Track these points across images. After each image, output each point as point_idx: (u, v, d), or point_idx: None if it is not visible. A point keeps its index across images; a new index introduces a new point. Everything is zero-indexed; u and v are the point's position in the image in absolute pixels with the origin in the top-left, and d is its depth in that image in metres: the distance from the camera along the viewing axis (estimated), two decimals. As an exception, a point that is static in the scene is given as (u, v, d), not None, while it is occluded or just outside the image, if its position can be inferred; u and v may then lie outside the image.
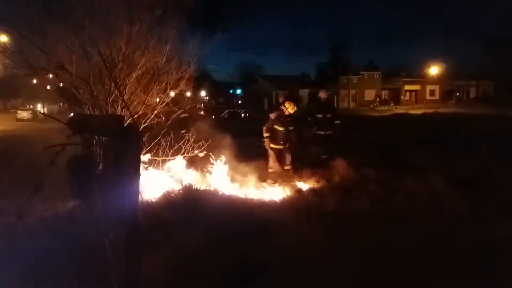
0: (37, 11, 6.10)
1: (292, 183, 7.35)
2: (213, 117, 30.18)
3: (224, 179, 7.15)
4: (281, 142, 8.07)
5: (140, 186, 1.79)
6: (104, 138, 1.67)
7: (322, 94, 9.37)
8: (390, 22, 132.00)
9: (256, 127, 9.89)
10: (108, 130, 1.62)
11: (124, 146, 1.61)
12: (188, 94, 8.72)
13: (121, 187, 1.64)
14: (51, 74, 6.25)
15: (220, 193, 6.45)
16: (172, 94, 7.71)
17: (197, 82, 8.68)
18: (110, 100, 6.12)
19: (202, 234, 4.48)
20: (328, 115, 9.00)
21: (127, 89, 6.28)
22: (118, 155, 1.61)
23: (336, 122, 9.08)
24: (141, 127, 6.78)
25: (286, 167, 8.08)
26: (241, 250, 4.22)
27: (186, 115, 7.96)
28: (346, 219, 5.59)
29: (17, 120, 34.66)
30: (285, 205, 6.31)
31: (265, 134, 8.05)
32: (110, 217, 1.67)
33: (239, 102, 41.45)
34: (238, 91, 58.70)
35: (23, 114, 35.95)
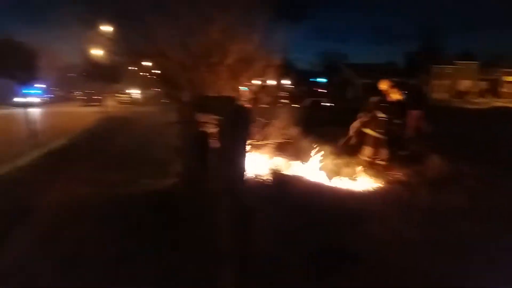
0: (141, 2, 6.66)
1: (384, 175, 7.12)
2: (296, 105, 30.18)
3: (313, 167, 7.20)
4: (380, 131, 7.36)
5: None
6: (220, 117, 1.87)
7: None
8: (488, 6, 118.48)
9: (340, 116, 9.74)
10: (224, 109, 1.82)
11: (237, 124, 1.80)
12: (274, 82, 8.88)
13: (232, 160, 1.82)
14: (153, 61, 6.82)
15: (309, 180, 6.55)
16: (259, 82, 7.95)
17: (282, 70, 8.79)
18: (205, 86, 6.52)
19: (293, 217, 4.62)
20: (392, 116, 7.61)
21: (221, 76, 6.61)
22: (231, 132, 1.79)
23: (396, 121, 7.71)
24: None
25: (380, 162, 7.47)
26: (333, 236, 4.30)
27: (267, 106, 8.03)
28: (439, 214, 5.35)
29: (119, 102, 38.39)
30: (376, 196, 6.20)
31: (362, 118, 7.47)
32: (221, 185, 1.86)
33: (322, 91, 40.82)
34: (321, 80, 57.81)
35: (124, 98, 39.87)
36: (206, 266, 3.57)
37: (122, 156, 9.80)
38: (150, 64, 8.24)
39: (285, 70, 8.00)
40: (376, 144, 7.42)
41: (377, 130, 7.39)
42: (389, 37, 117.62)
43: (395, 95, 7.35)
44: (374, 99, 7.48)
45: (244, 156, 1.93)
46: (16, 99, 32.15)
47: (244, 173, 1.97)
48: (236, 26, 6.54)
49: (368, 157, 7.43)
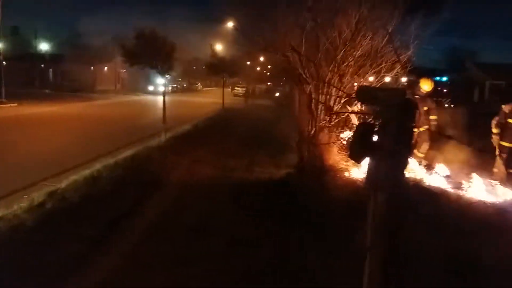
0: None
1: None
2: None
3: (441, 173, 6.85)
4: None
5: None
6: (386, 109, 1.88)
7: None
8: None
9: (464, 120, 8.88)
10: (391, 101, 1.83)
11: (403, 118, 1.81)
12: (404, 79, 8.53)
13: (395, 156, 1.84)
14: (281, 55, 7.07)
15: (431, 184, 6.24)
16: (387, 79, 7.72)
17: (406, 67, 8.37)
18: (327, 80, 6.56)
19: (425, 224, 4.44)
20: None
21: (347, 71, 6.57)
22: (397, 125, 1.81)
23: None
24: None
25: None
26: (465, 245, 4.06)
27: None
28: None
29: (234, 95, 40.62)
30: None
31: (494, 130, 6.83)
32: (381, 180, 1.89)
33: (444, 90, 37.54)
34: (443, 79, 53.32)
35: (239, 91, 42.08)
36: (333, 258, 3.66)
37: (239, 144, 10.40)
38: (265, 59, 8.52)
39: (408, 66, 7.67)
40: (509, 154, 6.72)
41: (510, 139, 6.70)
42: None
43: None
44: (506, 107, 6.73)
45: (408, 151, 1.92)
46: (149, 88, 36.36)
47: (406, 170, 1.97)
48: (369, 19, 6.41)
49: (496, 167, 6.80)
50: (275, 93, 38.00)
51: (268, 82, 49.35)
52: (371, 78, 7.92)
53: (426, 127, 7.52)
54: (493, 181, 6.54)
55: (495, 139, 6.88)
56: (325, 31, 6.49)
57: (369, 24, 6.56)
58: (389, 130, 1.83)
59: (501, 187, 6.37)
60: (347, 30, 6.49)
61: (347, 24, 6.49)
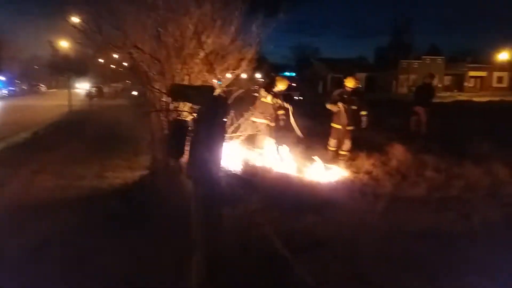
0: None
1: (347, 166, 7.42)
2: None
3: (279, 158, 7.37)
4: (343, 123, 7.77)
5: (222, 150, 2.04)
6: (198, 106, 1.92)
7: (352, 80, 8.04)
8: (456, 3, 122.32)
9: (310, 110, 9.96)
10: (202, 98, 1.88)
11: (215, 113, 1.87)
12: (253, 75, 8.94)
13: (209, 149, 1.90)
14: (125, 52, 6.72)
15: (276, 171, 6.70)
16: (236, 75, 7.99)
17: (255, 64, 8.85)
18: (177, 79, 6.51)
19: (263, 207, 4.74)
20: (354, 107, 7.89)
21: (194, 68, 6.60)
22: (209, 120, 1.87)
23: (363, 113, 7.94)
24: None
25: (342, 152, 7.96)
26: (300, 223, 4.46)
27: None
28: (401, 202, 5.63)
29: (86, 96, 37.23)
30: (340, 186, 6.44)
31: (328, 106, 7.86)
32: (198, 174, 1.93)
33: (293, 85, 41.12)
34: (293, 74, 58.25)
35: (92, 91, 38.62)
36: (175, 256, 3.64)
37: (88, 149, 9.61)
38: (119, 56, 8.07)
39: (258, 63, 8.08)
40: (340, 135, 7.78)
41: (339, 122, 7.75)
42: (363, 32, 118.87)
43: (350, 83, 7.68)
44: (335, 92, 7.85)
45: (221, 145, 2.00)
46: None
47: (220, 162, 2.04)
48: (212, 18, 6.53)
49: (333, 148, 7.80)
50: (132, 92, 36.24)
51: (125, 80, 46.80)
52: (228, 75, 8.10)
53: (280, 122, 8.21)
54: (327, 163, 7.45)
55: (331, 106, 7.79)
56: (168, 29, 6.40)
57: (212, 23, 6.70)
58: (201, 125, 1.90)
59: (332, 166, 7.29)
60: (190, 28, 6.52)
61: (190, 22, 6.52)
